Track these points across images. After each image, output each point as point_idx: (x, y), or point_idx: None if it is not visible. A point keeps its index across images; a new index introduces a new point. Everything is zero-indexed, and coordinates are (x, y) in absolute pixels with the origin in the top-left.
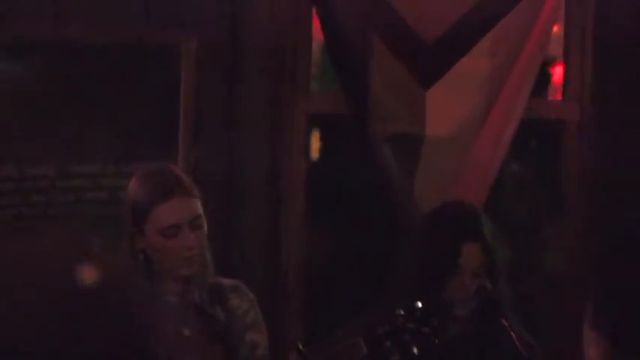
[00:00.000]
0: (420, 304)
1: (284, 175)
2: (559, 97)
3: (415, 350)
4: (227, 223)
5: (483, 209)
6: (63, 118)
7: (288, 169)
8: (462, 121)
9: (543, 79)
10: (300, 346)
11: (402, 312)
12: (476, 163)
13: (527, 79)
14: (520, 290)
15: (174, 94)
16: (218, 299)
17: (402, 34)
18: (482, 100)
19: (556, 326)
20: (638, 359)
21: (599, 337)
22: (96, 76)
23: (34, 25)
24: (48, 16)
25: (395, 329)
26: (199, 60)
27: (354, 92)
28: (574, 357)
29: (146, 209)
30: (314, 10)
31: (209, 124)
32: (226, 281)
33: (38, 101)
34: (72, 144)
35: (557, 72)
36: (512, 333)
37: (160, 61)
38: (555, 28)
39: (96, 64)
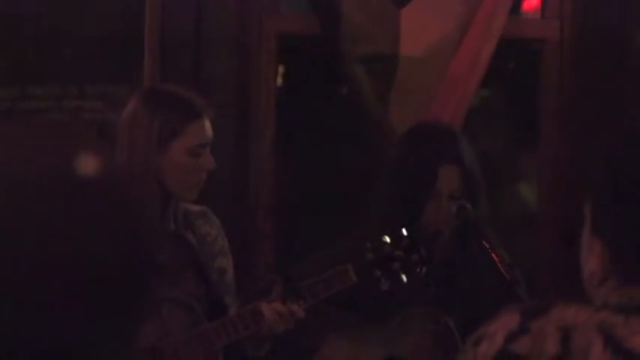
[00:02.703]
0: (405, 232)
1: (253, 100)
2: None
3: (404, 278)
4: None
5: (460, 130)
6: (23, 38)
7: (257, 93)
8: (438, 40)
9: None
10: (285, 274)
11: (387, 239)
12: (453, 82)
13: None
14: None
15: (141, 13)
16: (189, 225)
17: None
18: (459, 18)
19: (532, 254)
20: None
21: (600, 244)
22: None
23: None
24: None
25: (383, 257)
26: None
27: (324, 11)
28: (548, 280)
29: (179, 125)
30: None
31: (175, 46)
32: (194, 207)
33: None
34: (32, 65)
35: None
36: (493, 255)
37: None
38: None
39: None
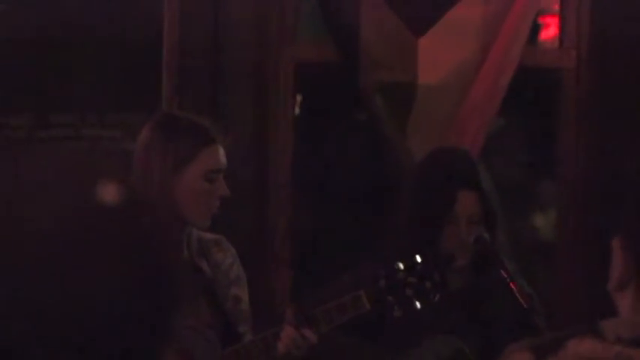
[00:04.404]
0: (419, 259)
1: (271, 128)
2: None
3: (418, 305)
4: None
5: (478, 158)
6: (42, 66)
7: (274, 122)
8: (455, 69)
9: (535, 29)
10: (299, 300)
11: (401, 266)
12: (471, 111)
13: (522, 26)
14: (513, 247)
15: (158, 42)
16: (203, 253)
17: None
18: (477, 48)
19: (550, 284)
20: None
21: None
22: (78, 25)
23: None
24: None
25: (397, 284)
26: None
27: (343, 40)
28: (567, 312)
29: (193, 149)
30: None
31: (193, 74)
32: (208, 235)
33: (15, 49)
34: (52, 93)
35: (548, 23)
36: (511, 284)
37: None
38: None
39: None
